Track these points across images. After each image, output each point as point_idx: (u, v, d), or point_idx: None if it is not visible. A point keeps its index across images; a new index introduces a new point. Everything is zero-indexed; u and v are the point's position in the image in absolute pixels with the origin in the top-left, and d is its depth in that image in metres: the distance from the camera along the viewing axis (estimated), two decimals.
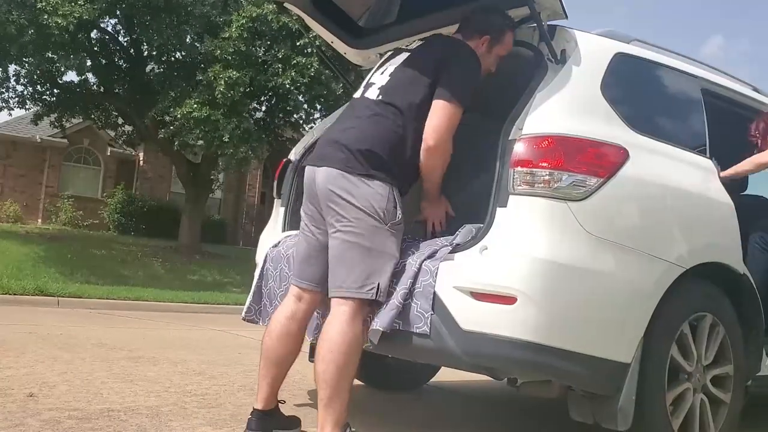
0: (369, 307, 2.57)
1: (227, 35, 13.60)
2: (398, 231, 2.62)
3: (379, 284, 2.52)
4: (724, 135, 3.30)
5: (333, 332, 2.49)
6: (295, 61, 13.65)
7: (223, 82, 13.29)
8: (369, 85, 2.86)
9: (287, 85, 13.75)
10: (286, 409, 2.93)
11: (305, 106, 16.03)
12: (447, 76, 2.65)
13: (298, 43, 13.69)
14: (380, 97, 2.73)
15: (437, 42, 2.91)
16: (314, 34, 3.68)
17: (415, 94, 2.67)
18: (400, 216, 2.61)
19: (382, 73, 2.86)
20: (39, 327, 6.17)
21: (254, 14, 13.44)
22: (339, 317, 2.51)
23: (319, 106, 15.99)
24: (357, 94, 2.95)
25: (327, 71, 13.64)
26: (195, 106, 13.58)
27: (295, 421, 2.88)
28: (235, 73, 13.37)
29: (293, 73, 13.65)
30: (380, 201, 2.55)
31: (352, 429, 2.52)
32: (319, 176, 2.64)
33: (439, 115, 2.62)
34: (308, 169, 2.73)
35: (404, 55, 2.87)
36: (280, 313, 2.81)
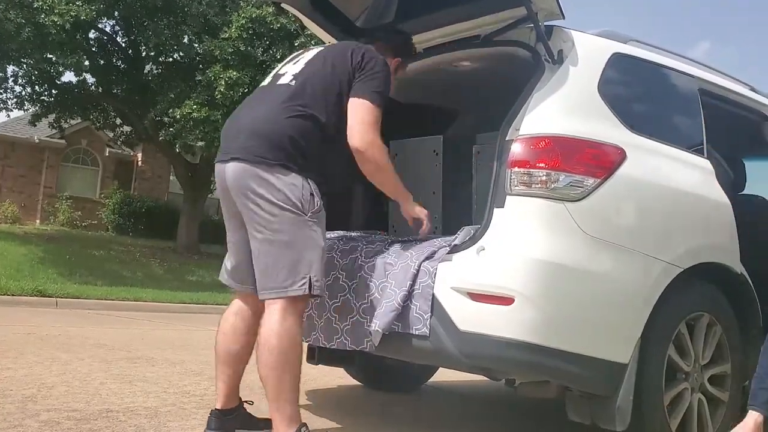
0: (304, 302, 2.53)
1: (227, 35, 13.60)
2: (320, 219, 2.55)
3: (310, 277, 2.46)
4: (722, 135, 3.31)
5: (267, 335, 2.45)
6: None
7: (223, 83, 13.30)
8: (279, 75, 2.75)
9: None
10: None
11: None
12: (365, 77, 2.61)
13: (296, 43, 13.69)
14: (292, 85, 2.63)
15: (355, 45, 2.82)
16: (310, 33, 3.68)
17: (332, 86, 2.60)
18: (319, 203, 2.53)
19: (295, 63, 2.77)
20: (37, 328, 6.17)
21: (254, 15, 13.45)
22: (271, 318, 2.45)
23: None
24: (265, 83, 2.82)
25: None
26: (194, 107, 13.59)
27: (264, 423, 2.73)
28: (235, 73, 13.37)
29: None
30: (295, 191, 2.46)
31: (308, 429, 2.50)
32: (229, 172, 2.54)
33: (359, 111, 2.55)
34: (217, 166, 2.63)
35: (318, 49, 2.81)
36: (227, 310, 2.78)
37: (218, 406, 2.72)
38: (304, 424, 2.48)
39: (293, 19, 3.73)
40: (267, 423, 2.63)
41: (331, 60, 2.67)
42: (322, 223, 2.56)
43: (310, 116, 2.55)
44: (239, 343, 2.67)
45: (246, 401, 2.81)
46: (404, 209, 2.86)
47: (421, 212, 2.85)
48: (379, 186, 2.75)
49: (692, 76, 3.30)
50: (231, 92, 13.40)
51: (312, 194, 2.50)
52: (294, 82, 2.64)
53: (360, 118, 2.56)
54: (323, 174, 2.59)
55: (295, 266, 2.46)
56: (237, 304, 2.76)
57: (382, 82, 2.63)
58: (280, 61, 13.74)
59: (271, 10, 13.02)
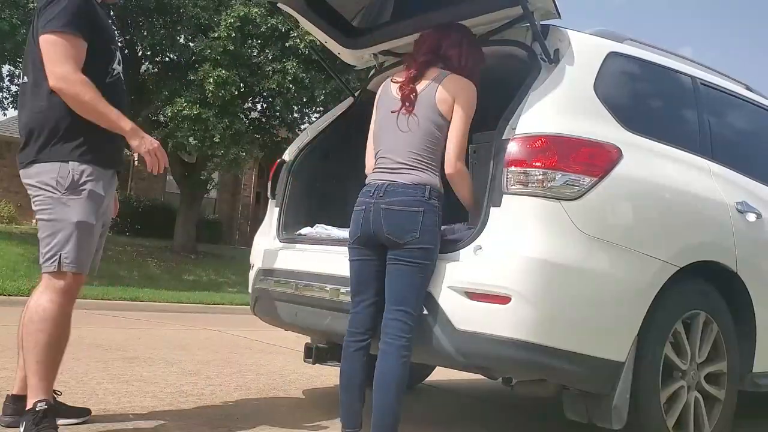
0: (64, 278, 2.55)
1: (216, 35, 13.59)
2: (82, 197, 2.57)
3: (60, 255, 2.52)
4: (717, 133, 3.31)
5: (31, 305, 2.59)
6: (279, 67, 13.66)
7: (212, 81, 13.27)
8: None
9: (275, 88, 13.80)
10: (272, 406, 2.91)
11: (295, 113, 16.09)
12: (42, 16, 2.55)
13: (287, 44, 13.67)
14: (26, 80, 2.69)
15: None
16: (300, 33, 3.69)
17: (36, 57, 2.58)
18: (79, 179, 2.56)
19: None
20: None
21: (241, 13, 13.41)
22: (37, 290, 2.60)
23: (306, 109, 16.08)
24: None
25: (303, 75, 13.59)
26: (185, 104, 13.57)
27: (79, 411, 2.87)
28: (224, 72, 13.35)
29: (279, 77, 13.69)
30: (49, 173, 2.55)
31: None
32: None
33: (44, 50, 2.52)
34: None
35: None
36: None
37: (14, 392, 2.74)
38: (45, 401, 2.51)
39: (285, 18, 3.70)
40: (83, 411, 2.86)
41: (30, 35, 2.66)
42: (84, 202, 2.58)
43: (39, 95, 2.59)
44: None
45: (55, 391, 2.77)
46: (132, 146, 2.65)
47: (151, 144, 2.66)
48: (96, 122, 2.58)
49: (688, 74, 3.31)
50: (222, 91, 13.37)
51: (69, 173, 2.55)
52: (26, 77, 2.70)
53: (47, 58, 2.51)
54: (86, 144, 2.59)
55: (51, 243, 2.55)
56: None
57: (57, 9, 2.51)
58: (273, 62, 13.90)
59: (257, 10, 13.04)
